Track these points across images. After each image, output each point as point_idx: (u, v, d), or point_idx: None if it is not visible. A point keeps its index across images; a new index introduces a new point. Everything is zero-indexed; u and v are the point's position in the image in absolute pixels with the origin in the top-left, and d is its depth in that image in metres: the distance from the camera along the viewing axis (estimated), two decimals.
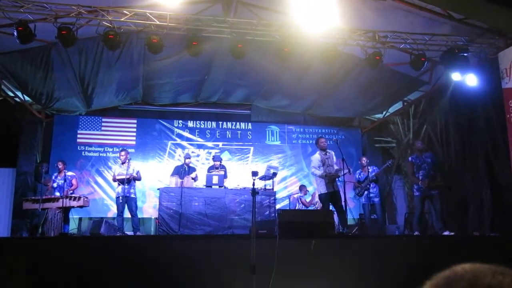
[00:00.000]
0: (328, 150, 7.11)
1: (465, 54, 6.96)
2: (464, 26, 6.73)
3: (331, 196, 6.82)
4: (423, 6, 6.29)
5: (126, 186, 7.76)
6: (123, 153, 8.06)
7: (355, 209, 9.53)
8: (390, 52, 7.33)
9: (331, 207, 6.94)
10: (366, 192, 8.34)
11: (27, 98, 8.89)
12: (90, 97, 9.10)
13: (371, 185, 8.34)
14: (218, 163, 8.74)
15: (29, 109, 9.15)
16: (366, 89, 9.00)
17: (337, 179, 7.00)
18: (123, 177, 7.76)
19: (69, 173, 8.20)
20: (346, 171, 6.86)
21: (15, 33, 6.06)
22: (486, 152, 7.25)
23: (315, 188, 10.10)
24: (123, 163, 7.94)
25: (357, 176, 8.69)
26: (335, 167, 7.03)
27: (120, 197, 7.73)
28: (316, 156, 7.06)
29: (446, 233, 6.62)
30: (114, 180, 8.04)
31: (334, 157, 7.14)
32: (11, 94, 8.66)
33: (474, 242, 5.98)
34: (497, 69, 6.95)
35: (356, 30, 6.94)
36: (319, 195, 7.19)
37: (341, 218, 6.87)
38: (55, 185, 7.99)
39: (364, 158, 8.78)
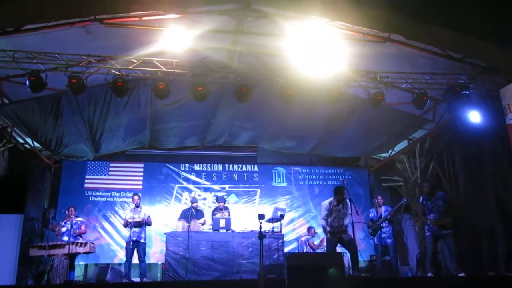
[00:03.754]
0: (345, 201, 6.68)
1: (467, 92, 7.04)
2: (464, 64, 6.85)
3: (339, 238, 6.61)
4: (422, 47, 6.45)
5: (137, 230, 7.70)
6: (136, 197, 8.07)
7: (364, 251, 9.32)
8: (392, 91, 7.44)
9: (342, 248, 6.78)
10: (379, 232, 8.20)
11: (36, 144, 9.05)
12: (98, 143, 9.25)
13: (385, 224, 8.21)
14: (222, 204, 8.69)
15: (38, 155, 9.29)
16: (370, 129, 9.07)
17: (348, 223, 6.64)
18: (139, 220, 7.72)
19: (79, 219, 8.19)
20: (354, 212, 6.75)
21: (27, 83, 6.29)
22: (496, 188, 7.14)
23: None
24: (137, 206, 7.93)
25: (370, 215, 8.59)
26: (346, 220, 6.56)
27: (131, 242, 7.66)
28: (324, 204, 6.72)
29: (461, 274, 6.39)
30: (126, 225, 7.90)
31: (348, 208, 6.65)
32: (21, 141, 8.83)
33: (490, 283, 5.76)
34: (500, 105, 7.00)
35: (358, 72, 7.10)
36: (325, 237, 6.99)
37: (353, 259, 6.56)
38: (64, 229, 7.90)
39: (379, 197, 8.72)
